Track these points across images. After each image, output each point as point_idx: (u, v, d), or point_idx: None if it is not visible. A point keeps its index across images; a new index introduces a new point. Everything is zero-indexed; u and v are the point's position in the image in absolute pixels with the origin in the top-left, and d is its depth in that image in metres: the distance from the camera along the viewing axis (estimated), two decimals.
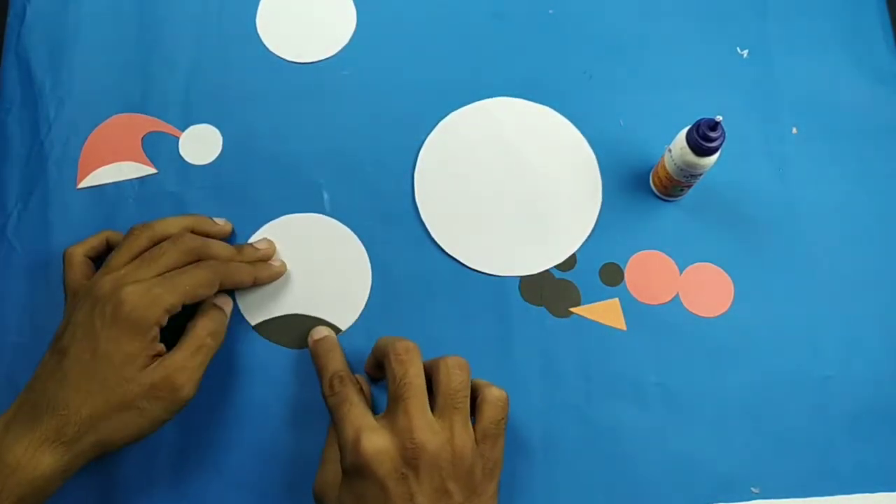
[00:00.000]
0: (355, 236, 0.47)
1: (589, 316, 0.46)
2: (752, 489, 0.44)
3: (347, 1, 0.50)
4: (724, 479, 0.44)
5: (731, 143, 0.49)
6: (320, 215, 0.47)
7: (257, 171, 0.47)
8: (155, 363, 0.38)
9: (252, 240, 0.46)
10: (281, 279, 0.45)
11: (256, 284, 0.44)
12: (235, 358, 0.45)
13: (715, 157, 0.42)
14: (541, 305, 0.46)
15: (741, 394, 0.45)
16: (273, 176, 0.47)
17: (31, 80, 0.48)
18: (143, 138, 0.48)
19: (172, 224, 0.42)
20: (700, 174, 0.43)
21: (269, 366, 0.44)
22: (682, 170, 0.43)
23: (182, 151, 0.48)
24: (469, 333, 0.45)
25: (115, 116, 0.48)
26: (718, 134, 0.41)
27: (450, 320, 0.45)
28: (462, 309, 0.46)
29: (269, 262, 0.45)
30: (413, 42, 0.50)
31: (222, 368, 0.44)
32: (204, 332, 0.40)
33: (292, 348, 0.45)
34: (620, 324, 0.46)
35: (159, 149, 0.48)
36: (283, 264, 0.45)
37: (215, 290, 0.41)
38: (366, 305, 0.46)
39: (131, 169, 0.47)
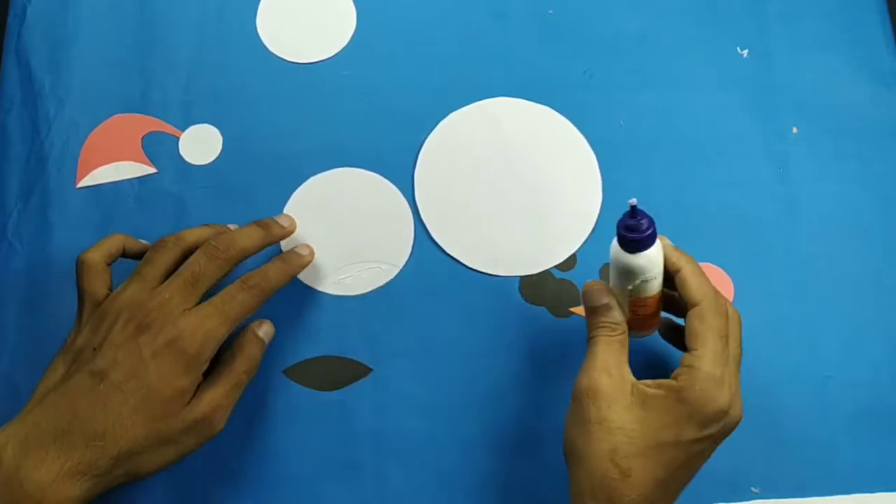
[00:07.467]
0: (392, 185, 0.47)
1: None
2: (752, 489, 0.44)
3: (347, 1, 0.50)
4: (724, 479, 0.44)
5: (731, 143, 0.49)
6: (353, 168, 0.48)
7: (257, 171, 0.47)
8: (195, 399, 0.37)
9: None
10: (327, 235, 0.46)
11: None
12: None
13: (653, 250, 0.35)
14: (541, 305, 0.46)
15: (741, 394, 0.45)
16: (273, 176, 0.47)
17: (31, 80, 0.48)
18: (143, 138, 0.48)
19: (201, 234, 0.41)
20: (647, 279, 0.36)
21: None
22: (623, 277, 0.37)
23: (182, 151, 0.48)
24: (469, 333, 0.45)
25: (115, 116, 0.48)
26: (642, 220, 0.34)
27: (450, 320, 0.45)
28: (462, 309, 0.46)
29: (298, 250, 0.44)
30: (413, 42, 0.50)
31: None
32: (241, 368, 0.39)
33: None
34: None
35: (159, 149, 0.48)
36: (312, 251, 0.45)
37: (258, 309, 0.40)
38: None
39: (131, 168, 0.47)
